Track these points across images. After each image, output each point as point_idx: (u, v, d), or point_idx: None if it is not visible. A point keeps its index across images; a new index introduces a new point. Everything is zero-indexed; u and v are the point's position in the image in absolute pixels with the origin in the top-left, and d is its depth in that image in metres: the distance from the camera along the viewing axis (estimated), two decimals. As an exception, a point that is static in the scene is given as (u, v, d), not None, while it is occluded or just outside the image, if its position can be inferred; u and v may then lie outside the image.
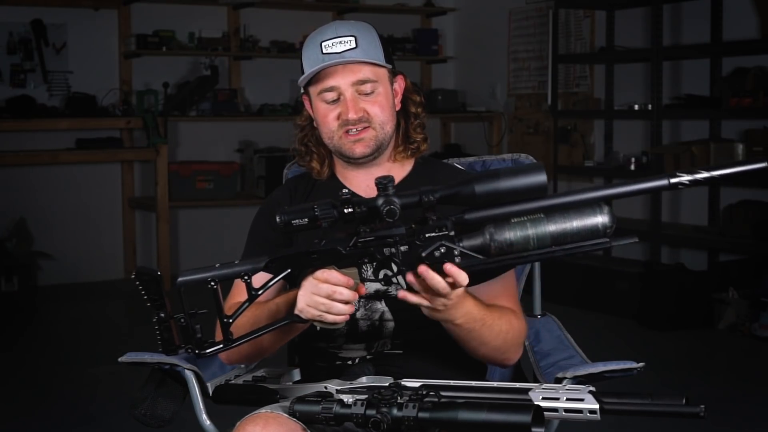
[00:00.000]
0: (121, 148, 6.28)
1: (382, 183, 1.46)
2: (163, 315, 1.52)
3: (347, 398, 1.46)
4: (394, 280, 1.49)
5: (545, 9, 6.49)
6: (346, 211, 1.45)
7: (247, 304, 1.55)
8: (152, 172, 6.08)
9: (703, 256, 5.52)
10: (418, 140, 1.88)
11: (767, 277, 4.75)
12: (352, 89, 1.77)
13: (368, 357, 1.80)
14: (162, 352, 1.56)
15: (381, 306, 1.80)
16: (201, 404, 1.74)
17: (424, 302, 1.51)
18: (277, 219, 1.48)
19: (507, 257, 1.42)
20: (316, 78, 1.78)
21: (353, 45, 1.75)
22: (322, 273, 1.51)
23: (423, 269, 1.44)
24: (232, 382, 1.79)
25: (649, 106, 5.52)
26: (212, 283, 1.52)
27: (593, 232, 1.39)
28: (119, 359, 1.72)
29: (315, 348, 1.85)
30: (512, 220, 1.41)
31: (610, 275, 5.46)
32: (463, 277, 1.44)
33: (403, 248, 1.46)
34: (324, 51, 1.76)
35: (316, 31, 1.81)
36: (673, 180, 1.34)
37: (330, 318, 1.53)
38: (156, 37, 6.37)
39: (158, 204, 5.99)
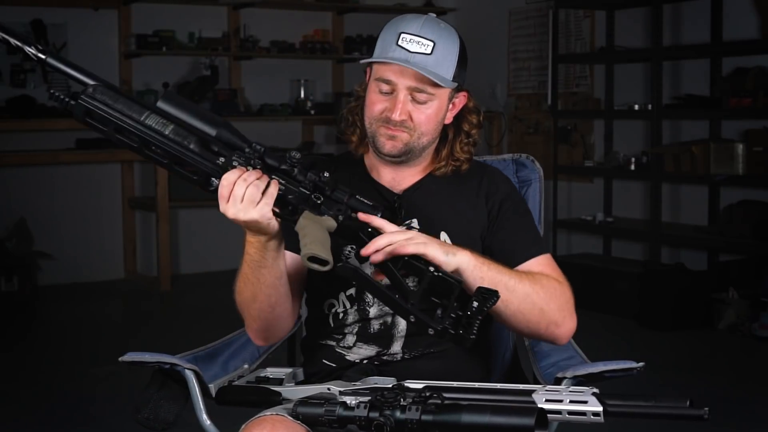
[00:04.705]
0: (121, 148, 6.26)
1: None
2: None
3: (350, 400, 1.45)
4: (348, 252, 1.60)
5: (545, 9, 6.49)
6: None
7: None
8: (152, 172, 6.08)
9: (703, 256, 5.51)
10: (461, 159, 1.90)
11: (767, 277, 4.75)
12: (407, 92, 1.74)
13: (376, 363, 1.77)
14: None
15: None
16: (201, 404, 1.73)
17: (394, 237, 1.57)
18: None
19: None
20: (380, 62, 1.76)
21: (428, 51, 1.72)
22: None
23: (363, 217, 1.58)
24: (236, 383, 1.79)
25: (649, 106, 5.52)
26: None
27: None
28: (119, 359, 1.72)
29: (323, 346, 1.83)
30: None
31: (610, 275, 5.45)
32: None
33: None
34: (399, 42, 1.72)
35: (403, 16, 1.79)
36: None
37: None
38: (156, 37, 6.36)
39: (158, 204, 5.98)
